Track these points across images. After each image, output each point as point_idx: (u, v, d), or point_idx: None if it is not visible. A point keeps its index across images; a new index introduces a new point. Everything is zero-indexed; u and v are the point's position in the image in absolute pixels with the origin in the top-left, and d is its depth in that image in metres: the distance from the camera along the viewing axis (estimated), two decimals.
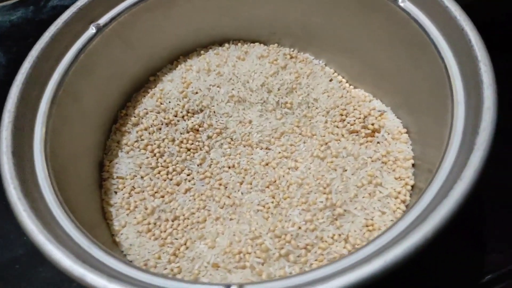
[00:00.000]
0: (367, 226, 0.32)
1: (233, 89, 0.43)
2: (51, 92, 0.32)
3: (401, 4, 0.34)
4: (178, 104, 0.42)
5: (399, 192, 0.34)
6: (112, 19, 0.37)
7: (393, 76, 0.39)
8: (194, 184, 0.39)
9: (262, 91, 0.43)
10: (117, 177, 0.38)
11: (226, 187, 0.38)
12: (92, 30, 0.36)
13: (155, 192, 0.38)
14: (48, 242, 0.22)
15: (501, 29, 0.47)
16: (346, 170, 0.36)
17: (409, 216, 0.24)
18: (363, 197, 0.34)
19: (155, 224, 0.35)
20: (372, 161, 0.37)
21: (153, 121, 0.41)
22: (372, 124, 0.40)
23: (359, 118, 0.41)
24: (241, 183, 0.38)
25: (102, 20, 0.37)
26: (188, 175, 0.39)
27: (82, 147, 0.36)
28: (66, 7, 0.35)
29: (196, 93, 0.43)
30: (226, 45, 0.47)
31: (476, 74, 0.28)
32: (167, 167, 0.39)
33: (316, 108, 0.43)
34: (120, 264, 0.24)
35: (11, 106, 0.28)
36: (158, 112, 0.42)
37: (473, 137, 0.25)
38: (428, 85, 0.34)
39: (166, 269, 0.32)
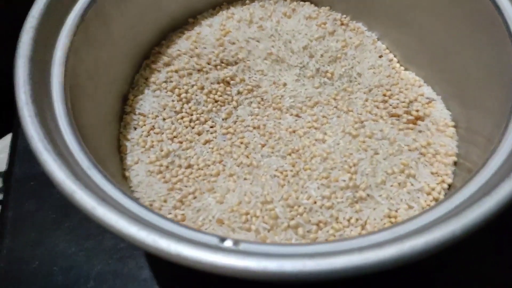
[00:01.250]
0: (389, 217, 0.30)
1: (272, 46, 0.40)
2: (80, 9, 0.30)
3: None
4: (212, 52, 0.39)
5: (433, 189, 0.31)
6: None
7: (451, 60, 0.35)
8: (215, 137, 0.36)
9: (304, 54, 0.40)
10: (139, 113, 0.37)
11: (247, 147, 0.35)
12: None
13: (174, 137, 0.36)
14: (46, 152, 0.21)
15: None
16: (378, 154, 0.33)
17: (438, 209, 0.21)
18: (391, 186, 0.31)
19: (167, 167, 0.33)
20: (409, 149, 0.33)
21: (185, 64, 0.39)
22: (417, 111, 0.36)
23: (404, 102, 0.37)
24: (263, 146, 0.35)
25: None
26: (211, 127, 0.37)
27: (107, 75, 0.34)
28: None
29: (234, 43, 0.40)
30: None
31: None
32: (191, 115, 0.37)
33: (359, 83, 0.39)
34: (113, 189, 0.22)
35: (35, 12, 0.26)
36: (191, 56, 0.39)
37: None
38: (488, 74, 0.30)
39: (170, 213, 0.30)
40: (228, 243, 0.19)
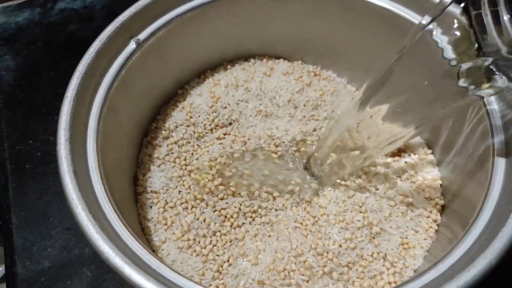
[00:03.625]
0: (402, 244, 0.34)
1: (260, 104, 0.44)
2: (98, 108, 0.32)
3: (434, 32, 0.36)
4: (207, 118, 0.43)
5: (430, 212, 0.36)
6: (151, 34, 0.37)
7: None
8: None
9: (289, 106, 0.44)
10: (151, 191, 0.38)
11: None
12: (132, 45, 0.36)
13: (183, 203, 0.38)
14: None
15: None
16: (378, 189, 0.37)
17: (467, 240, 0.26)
18: (396, 216, 0.35)
19: (194, 240, 0.35)
20: (401, 180, 0.38)
21: (183, 134, 0.42)
22: None
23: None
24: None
25: (141, 35, 0.37)
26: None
27: (120, 161, 0.36)
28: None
29: (225, 107, 0.43)
30: (252, 60, 0.47)
31: None
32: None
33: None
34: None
35: (65, 124, 0.28)
36: (188, 126, 0.42)
37: None
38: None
39: (211, 285, 0.32)
40: None
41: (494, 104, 0.31)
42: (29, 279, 0.38)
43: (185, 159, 0.41)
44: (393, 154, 0.41)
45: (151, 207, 0.38)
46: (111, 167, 0.33)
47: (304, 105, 0.45)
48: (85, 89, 0.31)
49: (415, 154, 0.41)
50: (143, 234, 0.36)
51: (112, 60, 0.34)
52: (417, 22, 0.37)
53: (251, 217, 0.37)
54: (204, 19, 0.41)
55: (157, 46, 0.38)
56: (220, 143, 0.41)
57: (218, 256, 0.34)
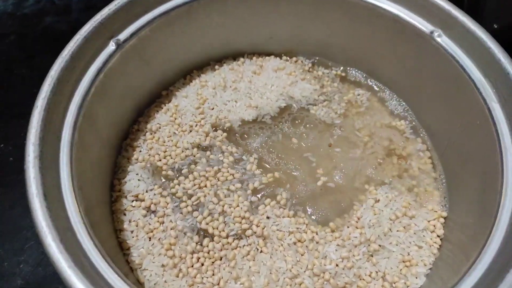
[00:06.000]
0: (403, 261, 0.32)
1: (250, 99, 0.41)
2: (73, 117, 0.29)
3: (437, 39, 0.34)
4: (193, 119, 0.40)
5: (434, 226, 0.34)
6: (133, 34, 0.34)
7: None
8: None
9: (284, 97, 0.42)
10: (132, 196, 0.35)
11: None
12: (112, 46, 0.33)
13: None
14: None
15: None
16: (378, 201, 0.35)
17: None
18: (397, 231, 0.33)
19: (181, 257, 0.32)
20: (401, 192, 0.36)
21: (167, 133, 0.39)
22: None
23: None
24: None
25: (122, 36, 0.33)
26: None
27: (97, 170, 0.33)
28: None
29: (213, 108, 0.41)
30: (241, 59, 0.45)
31: None
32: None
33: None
34: None
35: (34, 138, 0.25)
36: (172, 126, 0.39)
37: None
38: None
39: None
40: None
41: None
42: None
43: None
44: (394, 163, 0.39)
45: (129, 215, 0.35)
46: (87, 178, 0.30)
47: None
48: (59, 96, 0.28)
49: (415, 162, 0.38)
50: (121, 250, 0.33)
51: (89, 63, 0.31)
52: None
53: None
54: (190, 18, 0.38)
55: (139, 47, 0.35)
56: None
57: (207, 278, 0.31)
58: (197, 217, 0.34)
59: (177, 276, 0.31)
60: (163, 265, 0.32)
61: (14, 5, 0.60)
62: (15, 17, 0.58)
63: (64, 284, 0.22)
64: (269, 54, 0.46)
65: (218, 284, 0.31)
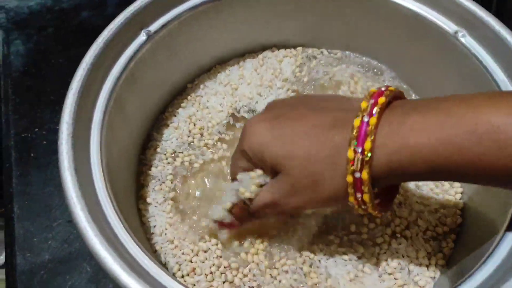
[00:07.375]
0: None
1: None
2: (104, 101, 0.31)
3: (461, 39, 0.34)
4: (221, 111, 0.41)
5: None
6: (163, 26, 0.36)
7: None
8: None
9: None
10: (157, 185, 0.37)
11: None
12: (143, 36, 0.35)
13: None
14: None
15: None
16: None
17: None
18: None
19: None
20: None
21: (194, 128, 0.40)
22: None
23: None
24: None
25: (152, 27, 0.35)
26: None
27: (124, 156, 0.35)
28: None
29: (236, 102, 0.42)
30: (264, 53, 0.46)
31: None
32: None
33: None
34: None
35: (68, 117, 0.27)
36: (199, 119, 0.41)
37: None
38: None
39: None
40: None
41: None
42: (29, 272, 0.38)
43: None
44: None
45: (155, 206, 0.36)
46: (114, 162, 0.32)
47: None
48: (91, 81, 0.30)
49: None
50: (144, 233, 0.35)
51: (121, 51, 0.33)
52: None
53: None
54: (217, 13, 0.40)
55: (168, 39, 0.37)
56: None
57: None
58: None
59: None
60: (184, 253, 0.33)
61: (53, 0, 0.63)
62: (53, 11, 0.62)
63: (91, 254, 0.23)
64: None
65: None
